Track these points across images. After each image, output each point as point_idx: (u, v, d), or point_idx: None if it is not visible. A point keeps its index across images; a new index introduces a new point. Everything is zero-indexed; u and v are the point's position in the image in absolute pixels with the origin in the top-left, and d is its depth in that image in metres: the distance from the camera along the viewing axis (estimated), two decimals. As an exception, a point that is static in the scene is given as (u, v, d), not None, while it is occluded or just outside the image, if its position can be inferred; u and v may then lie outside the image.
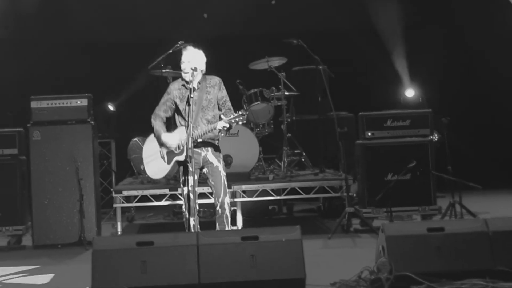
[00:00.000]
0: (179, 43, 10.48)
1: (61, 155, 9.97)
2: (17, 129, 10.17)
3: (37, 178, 9.95)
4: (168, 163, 8.20)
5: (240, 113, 7.81)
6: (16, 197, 9.99)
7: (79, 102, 10.13)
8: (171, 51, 10.68)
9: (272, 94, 11.36)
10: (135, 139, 11.48)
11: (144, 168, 8.59)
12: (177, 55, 10.64)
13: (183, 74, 8.13)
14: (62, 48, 13.00)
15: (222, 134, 8.27)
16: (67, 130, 10.05)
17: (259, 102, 11.16)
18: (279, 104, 11.40)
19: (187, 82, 8.12)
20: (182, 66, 8.12)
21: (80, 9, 12.98)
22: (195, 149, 7.95)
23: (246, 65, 11.73)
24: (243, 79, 11.34)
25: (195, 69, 8.00)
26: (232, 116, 7.82)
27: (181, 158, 8.05)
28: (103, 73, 13.21)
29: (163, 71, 10.90)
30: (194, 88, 7.96)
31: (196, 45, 8.27)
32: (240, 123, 7.88)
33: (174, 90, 8.21)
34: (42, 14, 12.91)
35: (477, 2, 13.21)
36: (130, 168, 11.80)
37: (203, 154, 8.14)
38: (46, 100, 10.11)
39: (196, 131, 7.92)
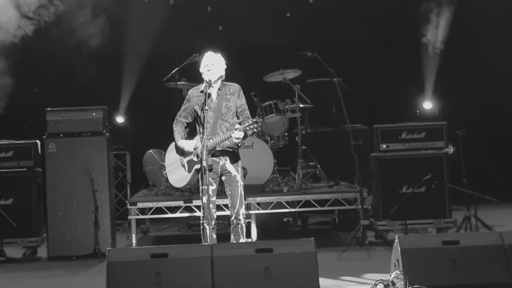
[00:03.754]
0: (194, 55, 10.53)
1: (76, 167, 10.01)
2: (33, 141, 10.21)
3: (52, 190, 9.98)
4: (189, 171, 8.18)
5: (254, 120, 7.76)
6: (32, 209, 10.02)
7: (94, 114, 10.17)
8: (185, 63, 10.74)
9: (287, 107, 11.37)
10: (150, 151, 11.51)
11: (167, 177, 8.55)
12: (192, 67, 10.72)
13: (204, 75, 8.03)
14: (75, 58, 13.02)
15: (240, 144, 8.18)
16: (82, 142, 10.09)
17: (273, 115, 11.17)
18: (293, 116, 11.41)
19: (209, 85, 8.03)
20: (205, 69, 8.02)
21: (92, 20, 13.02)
22: (213, 158, 7.97)
23: (260, 78, 11.76)
24: (258, 91, 11.35)
25: (207, 74, 7.99)
26: (246, 124, 7.75)
27: (199, 166, 8.00)
28: (116, 84, 13.22)
29: (178, 83, 10.94)
30: (210, 96, 8.00)
31: (215, 50, 8.25)
32: (255, 130, 7.82)
33: (193, 97, 8.16)
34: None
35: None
36: (145, 180, 11.83)
37: (221, 163, 8.07)
38: (61, 112, 10.15)
39: (212, 140, 7.89)
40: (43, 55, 12.52)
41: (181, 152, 8.22)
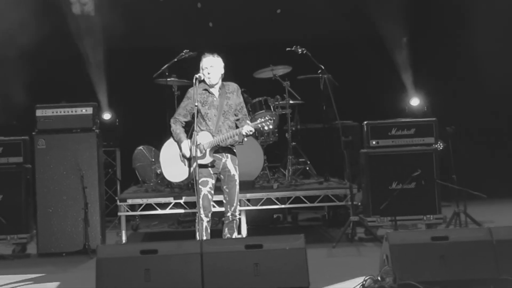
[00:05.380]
0: (184, 52, 10.54)
1: (66, 163, 9.98)
2: (22, 137, 10.18)
3: (42, 186, 9.96)
4: (190, 166, 8.22)
5: (267, 118, 7.85)
6: (21, 206, 10.00)
7: (84, 110, 10.14)
8: (175, 59, 10.73)
9: (277, 103, 11.36)
10: (140, 147, 11.51)
11: (161, 171, 8.57)
12: (182, 64, 10.72)
13: (207, 79, 8.13)
14: (64, 56, 13.00)
15: (246, 139, 8.27)
16: (72, 139, 10.06)
17: (263, 111, 11.16)
18: (283, 112, 11.41)
19: (209, 86, 8.19)
20: (206, 71, 8.12)
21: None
22: (216, 154, 8.12)
23: (250, 74, 11.75)
24: (248, 87, 11.33)
25: (209, 76, 8.08)
26: (259, 121, 7.89)
27: (204, 161, 8.06)
28: (107, 80, 13.19)
29: (168, 79, 10.93)
30: (210, 93, 8.17)
31: (205, 51, 8.30)
32: (266, 128, 7.90)
33: (195, 94, 8.20)
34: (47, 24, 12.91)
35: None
36: (135, 177, 11.82)
37: (223, 160, 8.19)
38: (51, 108, 10.12)
39: (219, 136, 8.01)
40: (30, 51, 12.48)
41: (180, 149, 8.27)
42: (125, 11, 12.72)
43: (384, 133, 10.29)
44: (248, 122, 8.04)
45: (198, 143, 8.07)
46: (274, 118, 7.97)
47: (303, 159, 11.69)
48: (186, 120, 8.32)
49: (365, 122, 10.40)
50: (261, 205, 10.50)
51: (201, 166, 8.07)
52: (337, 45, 13.60)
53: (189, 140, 8.16)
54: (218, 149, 8.11)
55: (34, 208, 10.03)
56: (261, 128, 7.94)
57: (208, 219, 8.03)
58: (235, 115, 8.30)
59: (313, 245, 9.35)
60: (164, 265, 6.78)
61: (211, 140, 8.01)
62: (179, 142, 8.24)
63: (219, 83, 8.24)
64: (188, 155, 8.15)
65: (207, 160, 8.04)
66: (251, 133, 7.99)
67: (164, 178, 9.14)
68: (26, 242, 10.09)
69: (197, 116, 8.17)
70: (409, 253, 6.86)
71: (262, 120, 7.88)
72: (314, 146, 12.06)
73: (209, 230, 8.08)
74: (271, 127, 7.93)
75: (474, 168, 13.08)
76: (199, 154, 8.09)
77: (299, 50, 10.93)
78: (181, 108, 8.37)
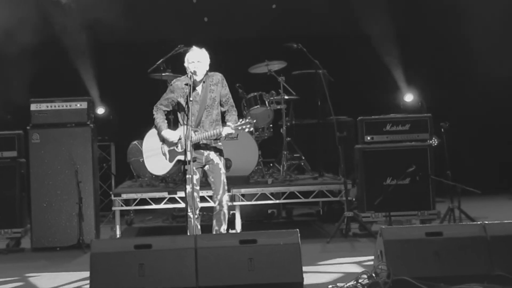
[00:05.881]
0: (179, 46, 10.52)
1: (60, 157, 9.97)
2: (17, 131, 10.16)
3: (36, 181, 9.95)
4: (170, 161, 8.21)
5: (247, 120, 7.81)
6: (15, 200, 9.99)
7: (78, 105, 10.14)
8: (170, 54, 10.72)
9: (272, 98, 11.36)
10: (135, 142, 11.49)
11: (143, 161, 8.56)
12: (177, 59, 10.69)
13: (194, 76, 8.01)
14: (57, 49, 12.97)
15: (225, 139, 8.26)
16: (66, 133, 10.06)
17: (258, 106, 11.16)
18: (278, 108, 11.41)
19: (193, 82, 8.04)
20: (191, 66, 8.03)
21: (74, 9, 12.97)
22: (198, 150, 8.04)
23: (245, 69, 11.75)
24: (243, 82, 11.35)
25: (194, 73, 8.00)
26: (239, 123, 7.84)
27: (183, 157, 8.03)
28: (100, 75, 13.17)
29: (163, 74, 10.92)
30: (195, 89, 8.02)
31: (199, 46, 8.25)
32: (247, 130, 7.88)
33: (178, 89, 8.17)
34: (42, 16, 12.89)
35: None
36: (130, 171, 11.81)
37: (206, 153, 8.14)
38: (46, 102, 10.11)
39: (199, 135, 7.94)
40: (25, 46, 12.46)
41: (163, 140, 8.23)
42: (119, 5, 12.69)
43: (378, 129, 10.30)
44: (229, 124, 7.95)
45: (179, 138, 8.07)
46: (254, 121, 7.89)
47: (298, 155, 11.69)
48: (167, 109, 8.31)
49: (360, 118, 10.42)
50: (256, 200, 10.50)
51: (181, 162, 8.08)
52: (332, 40, 13.59)
53: (168, 130, 8.16)
54: (199, 145, 8.05)
55: (28, 203, 10.02)
56: (242, 131, 7.92)
57: (196, 216, 7.94)
58: (222, 105, 8.22)
59: (308, 240, 9.34)
60: (158, 260, 6.77)
61: (192, 138, 7.88)
62: (159, 132, 8.21)
63: (203, 78, 8.15)
64: (174, 140, 8.10)
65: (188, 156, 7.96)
66: (230, 135, 7.97)
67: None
68: (20, 236, 10.08)
69: (179, 110, 8.18)
70: (403, 249, 6.86)
71: (243, 122, 7.82)
72: (309, 142, 12.07)
73: (199, 227, 8.02)
74: (246, 130, 7.90)
75: (468, 164, 13.11)
76: (180, 150, 8.08)
77: (295, 46, 10.92)
78: (163, 98, 8.33)
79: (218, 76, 8.24)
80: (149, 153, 8.40)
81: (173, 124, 9.57)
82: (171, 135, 8.16)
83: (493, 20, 13.33)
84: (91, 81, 13.04)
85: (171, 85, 8.30)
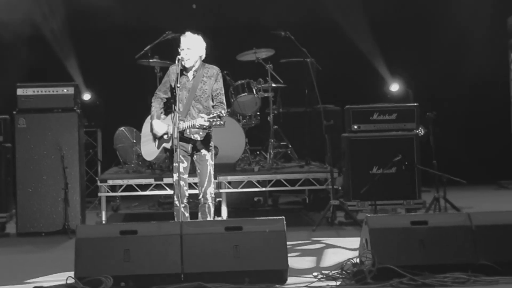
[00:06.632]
0: (167, 33, 10.50)
1: (46, 143, 9.93)
2: (3, 116, 10.11)
3: (22, 166, 9.91)
4: (158, 148, 8.17)
5: (217, 114, 7.69)
6: (0, 185, 9.95)
7: (65, 90, 10.09)
8: (158, 41, 10.70)
9: (259, 86, 11.34)
10: (122, 128, 11.47)
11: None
12: (164, 45, 10.67)
13: (183, 62, 7.89)
14: (46, 35, 12.92)
15: (208, 130, 8.13)
16: (53, 118, 10.01)
17: (246, 94, 11.14)
18: (266, 95, 11.39)
19: (185, 70, 7.98)
20: (182, 53, 7.90)
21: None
22: (185, 137, 7.94)
23: (233, 56, 11.72)
24: (231, 70, 11.32)
25: (182, 59, 7.92)
26: (210, 116, 7.69)
27: (168, 145, 8.00)
28: (88, 61, 13.12)
29: (151, 60, 10.89)
30: (184, 75, 7.94)
31: (194, 31, 8.15)
32: (219, 123, 7.76)
33: (172, 73, 8.06)
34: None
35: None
36: (116, 158, 11.79)
37: (191, 143, 8.04)
38: (32, 87, 10.06)
39: (183, 123, 7.86)
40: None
41: (152, 129, 8.20)
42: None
43: (365, 118, 10.31)
44: (203, 115, 7.74)
45: (166, 132, 8.02)
46: (223, 122, 7.80)
47: (285, 143, 11.70)
48: (166, 96, 8.17)
49: (347, 107, 10.43)
50: (242, 187, 10.51)
51: (167, 150, 8.06)
52: (321, 29, 13.56)
53: (159, 120, 8.10)
54: (186, 132, 7.93)
55: (14, 188, 9.98)
56: (212, 124, 7.76)
57: (183, 205, 7.89)
58: (212, 100, 8.07)
59: (293, 228, 9.36)
60: (143, 246, 6.77)
61: (178, 125, 7.79)
62: (151, 120, 8.17)
63: (196, 66, 8.02)
64: (158, 133, 8.07)
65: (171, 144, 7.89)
66: (205, 125, 7.75)
67: (144, 159, 9.11)
68: (5, 221, 10.04)
69: (172, 97, 8.12)
70: (389, 237, 6.88)
71: (215, 115, 7.68)
72: (296, 130, 12.07)
73: (186, 214, 7.98)
74: (217, 123, 7.75)
75: (454, 154, 13.15)
76: (165, 137, 8.05)
77: (282, 33, 10.91)
78: (161, 84, 8.28)
79: (214, 70, 8.09)
80: (145, 138, 8.39)
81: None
82: (159, 127, 8.07)
83: (481, 5, 13.38)
84: (74, 67, 12.99)
85: (168, 69, 8.23)
